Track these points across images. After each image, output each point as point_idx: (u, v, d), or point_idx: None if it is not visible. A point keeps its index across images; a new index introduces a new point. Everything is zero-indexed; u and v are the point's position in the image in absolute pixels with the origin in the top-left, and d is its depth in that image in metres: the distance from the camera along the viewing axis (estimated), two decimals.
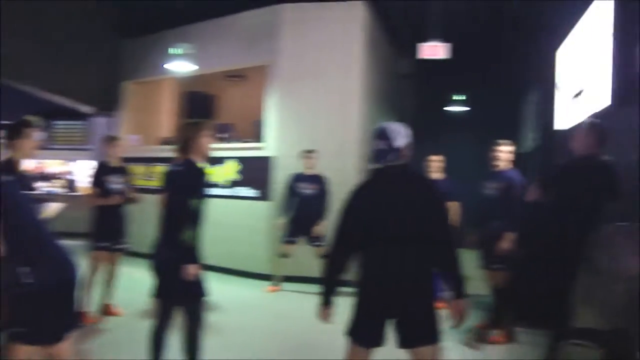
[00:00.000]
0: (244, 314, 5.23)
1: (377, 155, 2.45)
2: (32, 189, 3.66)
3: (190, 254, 2.91)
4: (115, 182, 4.69)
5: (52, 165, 10.95)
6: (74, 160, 10.78)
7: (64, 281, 2.43)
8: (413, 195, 2.41)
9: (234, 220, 6.97)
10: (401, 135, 2.44)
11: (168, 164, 3.14)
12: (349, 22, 6.67)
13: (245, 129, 7.66)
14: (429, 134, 10.02)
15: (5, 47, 6.35)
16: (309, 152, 6.06)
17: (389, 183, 2.43)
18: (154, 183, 8.05)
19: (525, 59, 8.74)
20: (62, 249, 2.48)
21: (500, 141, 4.60)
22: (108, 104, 8.63)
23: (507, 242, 4.24)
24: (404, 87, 10.11)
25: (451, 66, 7.29)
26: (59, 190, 10.44)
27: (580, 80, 4.31)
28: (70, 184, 10.69)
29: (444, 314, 2.42)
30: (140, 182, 8.11)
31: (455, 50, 6.72)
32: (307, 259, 6.17)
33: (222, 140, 7.48)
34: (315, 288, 6.19)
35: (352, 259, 2.46)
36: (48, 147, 9.84)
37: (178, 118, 8.57)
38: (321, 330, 4.48)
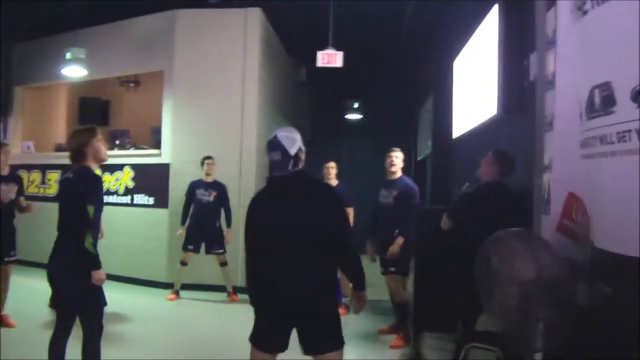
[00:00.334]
0: (144, 323, 5.12)
1: (275, 166, 2.44)
2: None
3: (95, 259, 2.88)
4: (4, 191, 4.43)
5: None
6: None
7: None
8: (311, 201, 2.43)
9: (130, 229, 6.80)
10: (295, 142, 2.44)
11: (62, 171, 3.08)
12: (245, 29, 6.68)
13: (141, 135, 7.48)
14: (326, 141, 10.34)
15: None
16: (208, 159, 6.05)
17: (285, 190, 2.45)
18: (50, 191, 7.75)
19: (422, 68, 9.22)
20: None
21: (394, 148, 4.75)
22: None
23: (396, 246, 4.45)
24: (301, 95, 10.28)
25: (348, 74, 7.52)
26: None
27: (474, 90, 4.56)
28: None
29: (345, 319, 2.53)
30: (35, 190, 7.78)
31: (353, 59, 6.91)
32: (206, 266, 6.16)
33: (117, 146, 7.31)
34: (213, 295, 6.20)
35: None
36: None
37: (72, 124, 8.25)
38: (225, 336, 4.54)
